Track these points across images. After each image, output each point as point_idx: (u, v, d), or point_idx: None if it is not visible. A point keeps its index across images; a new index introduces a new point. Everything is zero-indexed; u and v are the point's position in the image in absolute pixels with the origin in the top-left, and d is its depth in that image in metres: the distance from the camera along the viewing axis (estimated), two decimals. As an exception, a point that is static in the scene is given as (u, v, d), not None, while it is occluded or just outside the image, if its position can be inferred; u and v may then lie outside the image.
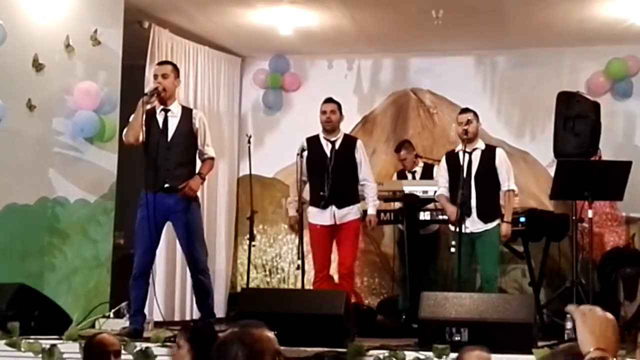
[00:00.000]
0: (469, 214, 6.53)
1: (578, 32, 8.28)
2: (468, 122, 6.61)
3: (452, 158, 6.77)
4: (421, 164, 8.40)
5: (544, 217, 7.81)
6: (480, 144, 6.73)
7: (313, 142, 6.96)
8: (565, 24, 8.11)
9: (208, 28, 8.69)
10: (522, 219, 7.47)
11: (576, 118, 7.03)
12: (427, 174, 8.23)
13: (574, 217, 6.88)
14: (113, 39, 7.55)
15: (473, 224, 6.56)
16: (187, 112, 6.29)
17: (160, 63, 6.51)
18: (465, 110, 6.78)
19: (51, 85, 7.07)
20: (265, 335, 2.66)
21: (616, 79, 8.73)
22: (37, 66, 6.93)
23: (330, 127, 6.90)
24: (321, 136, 6.96)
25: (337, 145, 6.90)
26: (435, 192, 7.43)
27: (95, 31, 7.37)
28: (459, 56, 9.24)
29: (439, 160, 8.49)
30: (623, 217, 8.19)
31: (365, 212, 7.03)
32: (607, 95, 8.69)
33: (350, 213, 6.85)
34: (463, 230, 6.48)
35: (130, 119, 6.19)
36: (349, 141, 7.01)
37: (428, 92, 9.39)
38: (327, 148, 6.90)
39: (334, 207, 6.80)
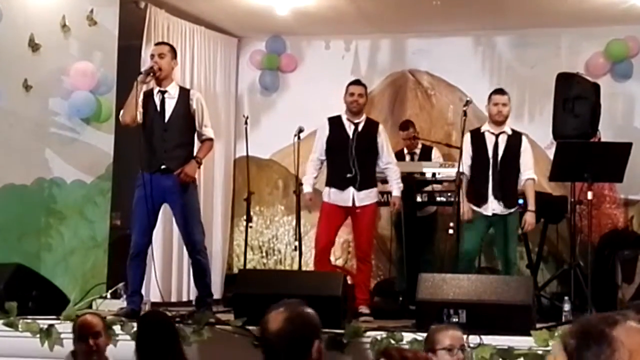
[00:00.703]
0: (492, 197, 6.49)
1: (578, 13, 8.22)
2: (504, 104, 6.56)
3: (477, 138, 6.68)
4: (420, 146, 8.37)
5: (542, 199, 7.75)
6: (507, 129, 6.67)
7: (335, 122, 6.87)
8: (564, 5, 8.05)
9: (204, 8, 8.63)
10: (521, 201, 7.43)
11: (576, 99, 7.00)
12: (426, 155, 8.21)
13: (572, 199, 6.86)
14: (109, 19, 7.52)
15: (496, 207, 6.52)
16: (184, 93, 6.26)
17: (158, 44, 6.49)
18: (501, 92, 6.69)
19: (47, 65, 7.04)
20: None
21: (616, 60, 8.69)
22: (34, 46, 6.90)
23: (357, 110, 6.82)
24: (344, 117, 6.86)
25: (360, 128, 6.82)
26: (433, 173, 7.43)
27: (92, 11, 7.34)
28: (458, 37, 9.18)
29: (438, 142, 8.51)
30: (621, 199, 8.18)
31: (386, 193, 7.03)
32: (606, 76, 8.64)
33: (369, 197, 6.79)
34: (484, 212, 6.47)
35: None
36: (372, 125, 6.93)
37: (426, 74, 9.34)
38: (350, 130, 6.81)
39: (353, 189, 6.73)
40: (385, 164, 6.88)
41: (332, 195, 6.81)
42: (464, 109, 6.54)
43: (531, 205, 6.60)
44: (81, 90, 7.15)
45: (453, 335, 4.13)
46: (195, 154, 6.30)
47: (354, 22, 8.88)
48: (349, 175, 6.70)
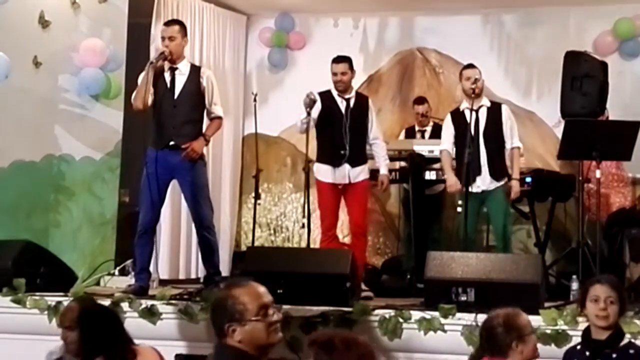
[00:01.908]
0: (479, 173, 6.50)
1: (586, -9, 8.20)
2: (476, 79, 6.54)
3: (457, 116, 6.70)
4: (431, 124, 8.36)
5: (549, 178, 7.79)
6: (485, 101, 6.68)
7: (326, 97, 6.79)
8: (573, -17, 8.03)
9: (214, -15, 8.62)
10: (528, 179, 7.43)
11: (584, 78, 6.96)
12: (437, 133, 8.18)
13: (580, 178, 6.85)
14: (119, -4, 7.51)
15: (484, 182, 6.54)
16: (195, 70, 6.25)
17: (168, 23, 6.38)
18: (472, 66, 6.67)
19: (57, 42, 7.05)
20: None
21: (624, 38, 8.65)
22: (43, 23, 6.90)
23: (343, 88, 6.76)
24: (334, 93, 6.81)
25: (351, 104, 6.78)
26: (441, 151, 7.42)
27: (102, -12, 7.33)
28: (466, 15, 9.14)
29: (446, 120, 8.49)
30: (629, 177, 8.15)
31: (374, 171, 6.99)
32: (614, 55, 8.60)
33: (363, 172, 6.76)
34: (473, 190, 6.45)
35: (139, 82, 6.14)
36: (362, 100, 6.90)
37: (434, 52, 9.31)
38: (342, 105, 6.76)
39: (347, 166, 6.69)
40: (372, 139, 6.84)
41: (325, 173, 6.77)
42: (472, 87, 6.52)
43: (515, 174, 6.62)
44: (91, 67, 7.16)
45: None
46: (204, 131, 6.29)
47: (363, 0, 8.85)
48: (342, 151, 6.67)
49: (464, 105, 6.66)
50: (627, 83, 8.67)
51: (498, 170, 6.59)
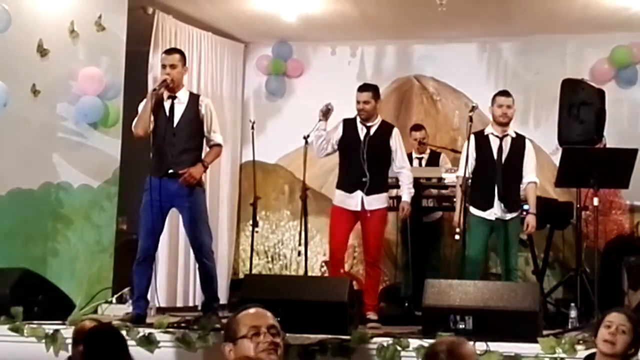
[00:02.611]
0: (494, 201, 6.45)
1: (582, 19, 8.24)
2: (509, 106, 6.51)
3: (481, 139, 6.58)
4: (428, 151, 8.37)
5: (547, 205, 7.78)
6: (511, 131, 6.62)
7: (349, 124, 6.80)
8: (569, 11, 8.08)
9: (212, 14, 8.66)
10: (526, 207, 7.45)
11: (581, 105, 7.00)
12: (434, 161, 8.21)
13: (578, 205, 6.86)
14: (117, 25, 7.55)
15: (499, 211, 6.48)
16: (194, 99, 6.27)
17: (168, 52, 6.40)
18: (507, 94, 6.61)
19: (55, 70, 7.06)
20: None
21: (621, 66, 8.70)
22: (42, 51, 6.92)
23: (365, 116, 6.73)
24: (358, 120, 6.79)
25: (372, 132, 6.74)
26: (439, 178, 7.42)
27: (100, 17, 7.37)
28: (463, 43, 9.19)
29: (444, 147, 8.52)
30: (627, 205, 8.18)
31: (395, 198, 6.97)
32: (611, 82, 8.66)
33: (379, 201, 6.70)
34: (487, 217, 6.45)
35: (139, 110, 6.16)
36: (386, 128, 6.83)
37: (431, 79, 9.36)
38: (362, 133, 6.74)
39: (361, 193, 6.63)
40: (398, 168, 6.80)
41: (340, 198, 6.76)
42: (470, 114, 6.49)
43: (532, 208, 6.58)
44: (89, 95, 7.18)
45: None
46: (202, 157, 6.30)
47: (360, 28, 8.91)
48: (363, 179, 6.63)
49: (489, 130, 6.61)
50: (624, 110, 8.71)
51: (513, 200, 6.54)
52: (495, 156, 6.48)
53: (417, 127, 8.51)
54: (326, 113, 6.74)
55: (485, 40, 9.16)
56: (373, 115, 6.79)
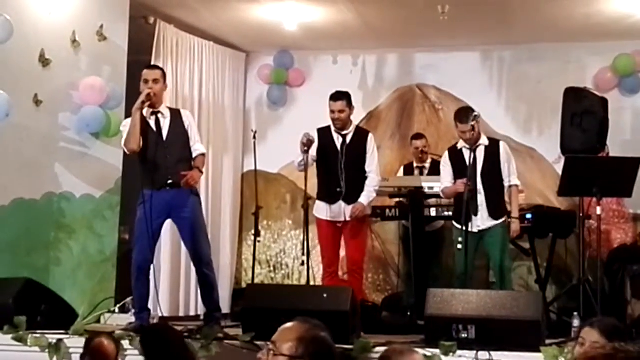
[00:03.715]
0: (477, 212, 6.48)
1: (585, 28, 8.25)
2: (470, 130, 6.43)
3: (455, 154, 6.69)
4: (429, 161, 8.37)
5: (550, 214, 7.79)
6: (483, 139, 6.65)
7: (324, 134, 6.83)
8: (571, 20, 8.09)
9: (213, 23, 8.68)
10: (529, 216, 7.44)
11: (584, 114, 6.98)
12: (435, 170, 8.19)
13: (581, 214, 6.84)
14: (119, 35, 7.57)
15: (482, 222, 6.52)
16: (175, 113, 6.37)
17: (150, 67, 6.54)
18: (465, 120, 6.49)
19: (57, 80, 7.07)
20: None
21: (623, 74, 8.71)
22: (44, 61, 6.93)
23: (340, 126, 6.78)
24: (332, 128, 6.84)
25: (347, 140, 6.79)
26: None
27: (101, 27, 7.39)
28: (465, 52, 9.21)
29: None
30: (630, 214, 8.16)
31: (375, 207, 6.97)
32: (614, 91, 8.67)
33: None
34: (471, 229, 6.42)
35: (124, 130, 6.18)
36: (361, 134, 6.89)
37: (433, 88, 9.37)
38: (338, 142, 6.79)
39: (343, 203, 6.72)
40: (367, 171, 6.80)
41: (322, 211, 6.82)
42: (472, 123, 6.51)
43: (515, 212, 6.62)
44: (90, 105, 7.18)
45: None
46: (194, 166, 6.33)
47: (362, 37, 8.93)
48: (338, 189, 6.69)
49: (462, 143, 6.64)
50: (628, 119, 8.72)
51: (496, 208, 6.57)
52: (470, 169, 6.45)
53: (418, 136, 8.51)
54: (308, 145, 6.66)
55: (487, 49, 9.17)
56: (347, 123, 6.81)
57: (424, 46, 9.25)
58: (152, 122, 6.19)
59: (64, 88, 7.15)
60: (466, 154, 6.52)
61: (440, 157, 8.28)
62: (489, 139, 6.75)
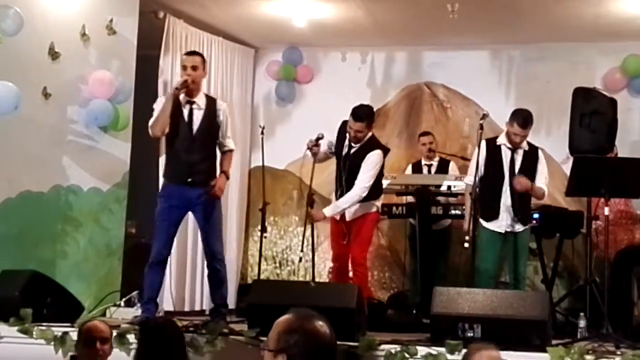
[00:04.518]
0: (505, 213, 6.44)
1: (594, 28, 8.23)
2: (524, 136, 6.47)
3: (493, 148, 6.53)
4: (437, 159, 8.37)
5: (557, 214, 7.77)
6: (524, 144, 6.57)
7: (342, 130, 6.73)
8: (581, 19, 8.07)
9: (222, 19, 8.68)
10: (536, 216, 7.41)
11: (592, 114, 6.96)
12: (443, 168, 8.20)
13: (588, 215, 6.82)
14: (128, 29, 7.57)
15: (509, 224, 6.47)
16: (211, 103, 6.28)
17: (190, 53, 6.41)
18: (525, 125, 6.46)
19: (66, 73, 7.07)
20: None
21: (633, 75, 8.68)
22: (53, 55, 6.93)
23: (355, 142, 6.65)
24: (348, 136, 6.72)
25: (352, 151, 6.69)
26: (449, 186, 7.41)
27: (111, 20, 7.39)
28: (474, 50, 9.19)
29: (453, 155, 8.50)
30: (638, 215, 8.14)
31: (384, 205, 6.99)
32: (623, 91, 8.64)
33: (361, 207, 6.69)
34: (497, 230, 6.43)
35: (155, 109, 6.14)
36: (366, 148, 6.68)
37: (442, 86, 9.35)
38: (346, 148, 6.72)
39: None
40: (356, 182, 6.63)
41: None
42: (481, 122, 6.46)
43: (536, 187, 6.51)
44: (99, 98, 7.19)
45: (490, 356, 3.72)
46: (220, 166, 6.31)
47: (371, 34, 8.91)
48: (339, 190, 6.69)
49: (502, 139, 6.55)
50: (636, 120, 8.69)
51: (524, 213, 6.54)
52: (506, 168, 6.46)
53: (425, 133, 8.54)
54: (314, 146, 6.67)
55: (496, 47, 9.15)
56: (363, 140, 6.67)
57: (433, 44, 9.23)
58: (185, 112, 6.14)
59: (73, 81, 7.15)
60: (505, 152, 6.49)
61: (448, 155, 8.31)
62: (529, 144, 6.65)
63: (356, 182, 6.61)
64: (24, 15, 6.34)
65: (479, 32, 8.72)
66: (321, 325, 2.53)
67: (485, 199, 6.45)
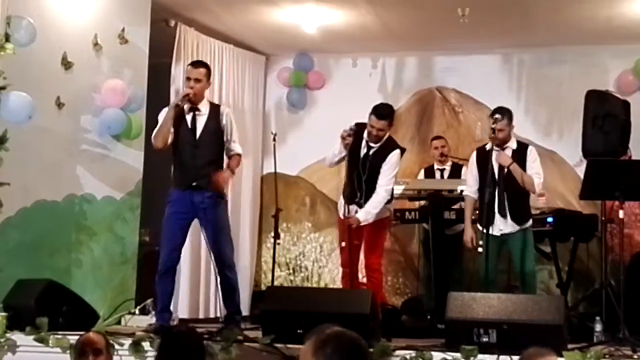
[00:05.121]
0: (501, 216, 6.45)
1: (606, 30, 8.21)
2: (499, 130, 6.44)
3: (482, 156, 6.61)
4: (450, 163, 8.36)
5: (571, 218, 7.75)
6: (512, 143, 6.62)
7: (359, 132, 6.63)
8: (593, 22, 8.05)
9: (233, 26, 8.71)
10: (550, 219, 7.41)
11: (605, 117, 6.93)
12: (456, 173, 8.18)
13: (603, 218, 6.80)
14: (140, 38, 7.60)
15: (505, 226, 6.50)
16: (214, 109, 6.29)
17: (195, 64, 6.38)
18: (499, 118, 6.49)
19: (79, 83, 7.10)
20: None
21: (646, 78, 8.65)
22: (66, 64, 6.96)
23: (374, 141, 6.63)
24: (365, 133, 6.66)
25: (371, 152, 6.64)
26: (461, 191, 7.39)
27: (123, 30, 7.42)
28: (485, 54, 9.19)
29: (465, 159, 8.47)
30: (653, 218, 8.12)
31: (393, 211, 6.93)
32: (636, 94, 8.58)
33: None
34: (494, 232, 6.41)
35: (159, 121, 6.20)
36: (386, 148, 6.67)
37: (453, 91, 9.35)
38: (364, 150, 6.67)
39: (356, 207, 6.60)
40: (379, 185, 6.62)
41: (340, 208, 6.77)
42: (493, 126, 6.51)
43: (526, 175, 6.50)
44: (112, 107, 7.22)
45: None
46: (226, 166, 6.32)
47: (381, 39, 8.92)
48: (358, 193, 6.61)
49: (490, 145, 6.57)
50: (650, 123, 8.62)
51: (520, 213, 6.53)
52: (496, 171, 6.45)
53: (437, 137, 8.56)
54: (349, 135, 6.56)
55: (507, 51, 9.15)
56: (382, 138, 6.67)
57: (444, 49, 9.23)
58: (188, 119, 6.17)
59: (86, 90, 7.18)
60: (494, 155, 6.50)
61: (461, 159, 8.29)
62: (518, 142, 6.69)
63: (379, 183, 6.59)
64: (37, 26, 6.37)
65: (489, 36, 8.71)
66: (348, 330, 2.54)
67: (482, 205, 6.44)
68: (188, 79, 6.18)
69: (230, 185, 8.74)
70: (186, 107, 6.17)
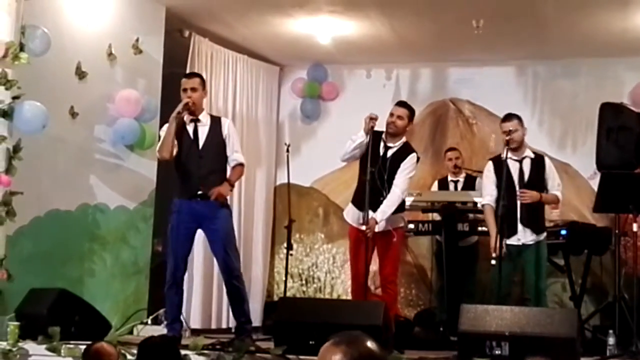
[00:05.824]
0: (518, 226, 6.42)
1: (621, 43, 8.17)
2: (510, 132, 6.48)
3: (499, 165, 6.51)
4: (463, 175, 8.34)
5: (585, 230, 7.71)
6: (528, 152, 6.60)
7: (376, 137, 6.57)
8: (608, 34, 8.02)
9: (247, 37, 8.73)
10: (563, 232, 7.37)
11: (620, 129, 6.92)
12: (470, 184, 8.16)
13: (617, 231, 6.76)
14: (154, 48, 7.64)
15: (524, 236, 6.46)
16: (215, 121, 6.37)
17: (189, 75, 6.55)
18: (509, 118, 6.55)
19: (93, 92, 7.13)
20: None
21: (660, 90, 8.60)
22: (80, 74, 6.99)
23: (393, 131, 6.62)
24: (383, 135, 6.65)
25: (389, 154, 6.62)
26: (475, 203, 7.35)
27: (137, 40, 7.45)
28: (499, 66, 9.17)
29: (479, 171, 8.45)
30: (667, 231, 8.04)
31: (406, 221, 6.91)
32: (651, 106, 8.56)
33: (390, 220, 6.54)
34: (513, 242, 6.39)
35: (161, 134, 6.28)
36: (405, 152, 6.67)
37: (467, 102, 9.33)
38: (381, 152, 6.61)
39: (370, 211, 6.38)
40: (395, 184, 6.56)
41: (353, 215, 6.67)
42: (504, 129, 6.51)
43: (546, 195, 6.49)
44: (126, 117, 7.24)
45: None
46: (227, 178, 6.33)
47: (395, 51, 8.92)
48: (382, 191, 6.49)
49: (506, 152, 6.52)
50: (664, 135, 8.57)
51: (537, 223, 6.50)
52: (516, 180, 6.43)
53: (451, 148, 8.55)
54: (373, 121, 6.49)
55: (522, 63, 9.13)
56: (401, 133, 6.67)
57: (458, 60, 9.22)
58: (190, 129, 6.23)
59: (100, 100, 7.21)
60: (512, 165, 6.47)
61: (475, 171, 8.27)
62: (534, 152, 6.68)
63: (395, 183, 6.54)
64: (51, 36, 6.40)
65: (504, 48, 8.70)
66: (369, 339, 2.47)
67: (502, 215, 6.37)
68: (184, 90, 6.25)
69: (242, 196, 8.81)
70: (187, 118, 6.24)
